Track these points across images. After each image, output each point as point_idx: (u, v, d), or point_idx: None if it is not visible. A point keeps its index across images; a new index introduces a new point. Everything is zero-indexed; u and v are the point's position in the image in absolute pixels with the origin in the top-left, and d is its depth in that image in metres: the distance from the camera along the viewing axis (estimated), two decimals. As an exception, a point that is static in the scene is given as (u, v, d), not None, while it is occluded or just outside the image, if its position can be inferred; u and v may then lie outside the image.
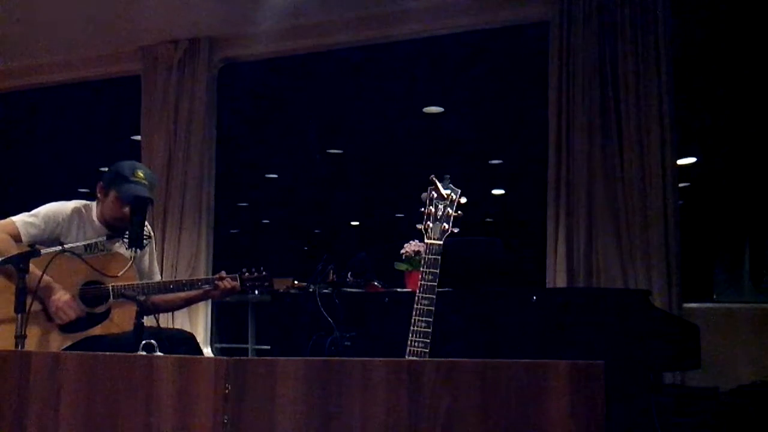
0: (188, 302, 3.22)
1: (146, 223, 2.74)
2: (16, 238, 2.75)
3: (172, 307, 3.37)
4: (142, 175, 2.88)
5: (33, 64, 6.16)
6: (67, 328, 2.73)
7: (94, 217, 2.91)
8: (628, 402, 3.03)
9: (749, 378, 4.09)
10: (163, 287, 2.92)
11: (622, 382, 2.96)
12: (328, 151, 8.45)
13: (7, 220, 2.80)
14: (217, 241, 5.65)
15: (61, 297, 2.69)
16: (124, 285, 2.73)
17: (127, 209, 2.81)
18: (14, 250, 2.65)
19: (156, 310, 2.99)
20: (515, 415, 1.29)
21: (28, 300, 2.43)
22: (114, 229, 2.88)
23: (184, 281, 3.05)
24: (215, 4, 5.15)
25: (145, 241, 2.71)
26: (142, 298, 2.46)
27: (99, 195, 2.93)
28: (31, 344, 2.57)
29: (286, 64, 5.83)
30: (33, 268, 2.51)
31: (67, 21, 5.36)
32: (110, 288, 2.74)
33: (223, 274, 2.98)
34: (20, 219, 2.80)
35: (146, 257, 3.06)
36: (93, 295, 2.76)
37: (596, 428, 1.27)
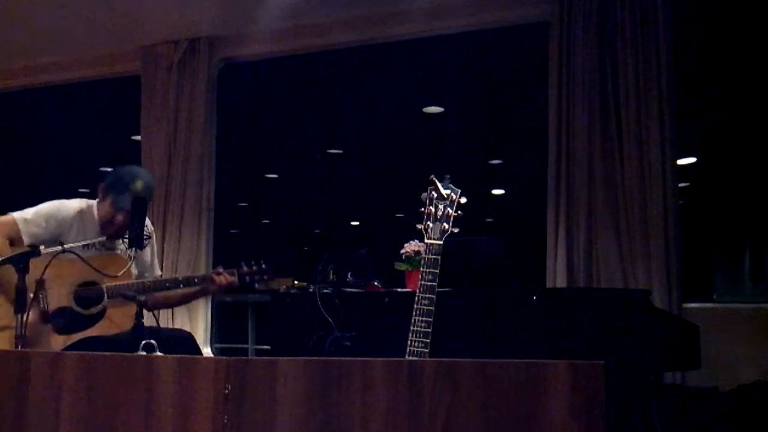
0: (187, 299, 3.20)
1: (147, 220, 2.73)
2: (16, 236, 2.73)
3: (170, 304, 3.36)
4: (140, 188, 2.82)
5: (33, 64, 6.16)
6: (63, 329, 2.72)
7: (95, 216, 2.91)
8: (628, 402, 3.03)
9: (749, 378, 4.09)
10: (160, 286, 2.91)
11: (622, 382, 2.96)
12: (328, 151, 8.45)
13: (7, 216, 2.77)
14: (217, 241, 5.65)
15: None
16: (120, 284, 2.72)
17: (119, 218, 2.80)
18: (8, 252, 2.62)
19: (154, 307, 2.98)
20: (515, 415, 1.29)
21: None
22: (106, 232, 2.86)
23: (180, 278, 3.00)
24: (215, 4, 5.15)
25: (145, 241, 2.71)
26: (142, 298, 2.45)
27: (99, 195, 2.92)
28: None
29: (286, 64, 5.82)
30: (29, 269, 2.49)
31: (67, 21, 5.35)
32: (104, 288, 2.74)
33: (221, 269, 2.94)
34: (21, 217, 2.77)
35: (147, 253, 3.05)
36: (87, 296, 2.75)
37: (596, 428, 1.26)
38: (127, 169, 2.90)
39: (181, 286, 2.94)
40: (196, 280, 2.98)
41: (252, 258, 3.01)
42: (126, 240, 2.62)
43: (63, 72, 6.17)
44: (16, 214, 2.78)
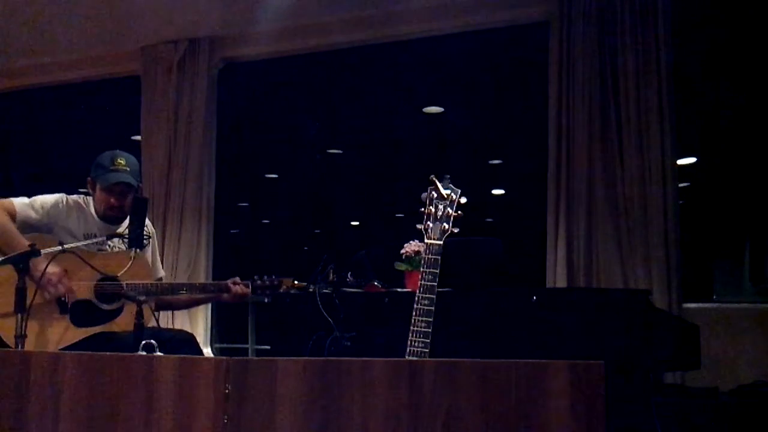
0: (196, 302, 3.26)
1: (147, 221, 2.75)
2: (13, 216, 2.78)
3: (176, 306, 3.40)
4: (122, 162, 2.90)
5: (33, 64, 6.16)
6: (81, 322, 2.73)
7: (92, 211, 2.94)
8: (628, 402, 3.03)
9: (749, 378, 4.09)
10: (177, 289, 2.96)
11: (622, 382, 2.96)
12: (328, 151, 8.45)
13: (7, 199, 2.82)
14: (217, 241, 5.65)
15: (53, 269, 2.64)
16: (138, 283, 2.75)
17: (112, 200, 2.86)
18: (11, 226, 2.67)
19: (162, 308, 3.03)
20: (515, 415, 1.29)
21: (30, 293, 2.43)
22: (110, 220, 2.90)
23: (197, 284, 3.06)
24: (215, 4, 5.15)
25: (145, 241, 2.72)
26: (142, 299, 2.45)
27: (89, 189, 2.97)
28: (43, 338, 2.58)
29: (286, 64, 5.82)
30: (40, 261, 2.50)
31: (68, 21, 5.36)
32: (124, 285, 2.75)
33: (237, 279, 3.00)
34: (19, 201, 2.84)
35: (148, 254, 3.07)
36: (108, 291, 2.77)
37: (596, 428, 1.26)
38: (105, 153, 2.95)
39: (197, 292, 3.03)
40: (212, 287, 3.04)
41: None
42: (126, 240, 2.63)
43: (63, 72, 6.17)
44: (14, 198, 2.85)
